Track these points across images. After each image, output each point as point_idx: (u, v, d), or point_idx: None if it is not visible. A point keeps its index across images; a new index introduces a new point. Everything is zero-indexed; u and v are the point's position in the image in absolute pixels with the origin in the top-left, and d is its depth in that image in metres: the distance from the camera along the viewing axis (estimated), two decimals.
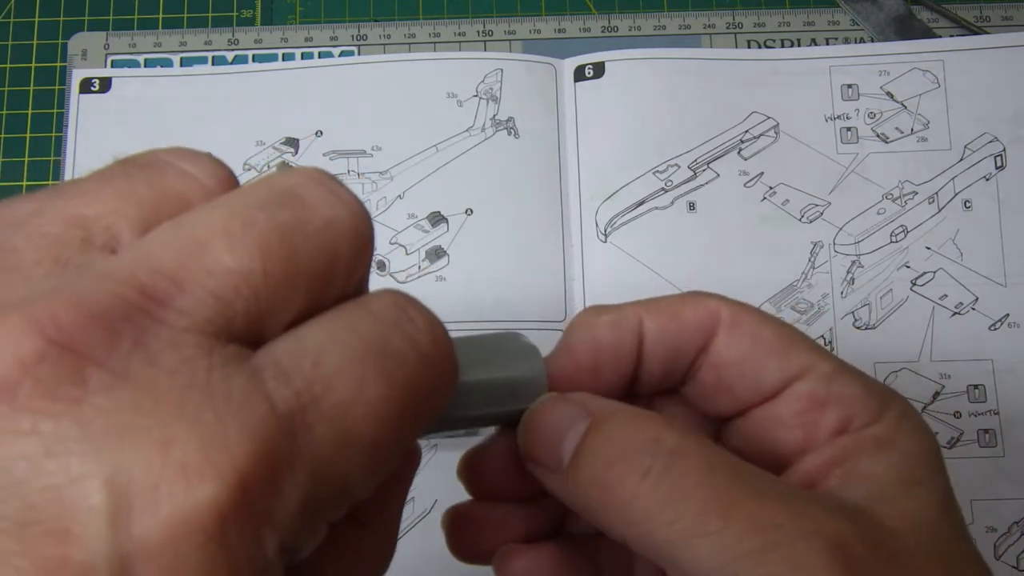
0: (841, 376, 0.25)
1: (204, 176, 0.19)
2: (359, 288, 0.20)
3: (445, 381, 0.19)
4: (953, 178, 0.48)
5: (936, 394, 0.46)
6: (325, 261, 0.18)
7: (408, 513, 0.44)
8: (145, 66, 0.52)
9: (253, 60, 0.52)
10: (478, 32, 0.52)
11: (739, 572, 0.21)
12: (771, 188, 0.48)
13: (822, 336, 0.47)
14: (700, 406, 0.28)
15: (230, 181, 0.19)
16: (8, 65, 0.52)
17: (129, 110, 0.50)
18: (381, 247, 0.48)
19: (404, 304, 0.19)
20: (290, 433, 0.16)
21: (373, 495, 0.21)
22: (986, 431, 0.46)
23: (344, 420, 0.17)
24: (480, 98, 0.50)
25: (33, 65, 0.52)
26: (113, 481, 0.15)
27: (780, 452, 0.25)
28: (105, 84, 0.50)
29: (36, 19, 0.53)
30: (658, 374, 0.27)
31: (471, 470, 0.27)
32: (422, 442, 0.25)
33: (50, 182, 0.50)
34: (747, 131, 0.49)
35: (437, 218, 0.48)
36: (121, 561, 0.15)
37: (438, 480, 0.44)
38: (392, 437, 0.18)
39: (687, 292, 0.27)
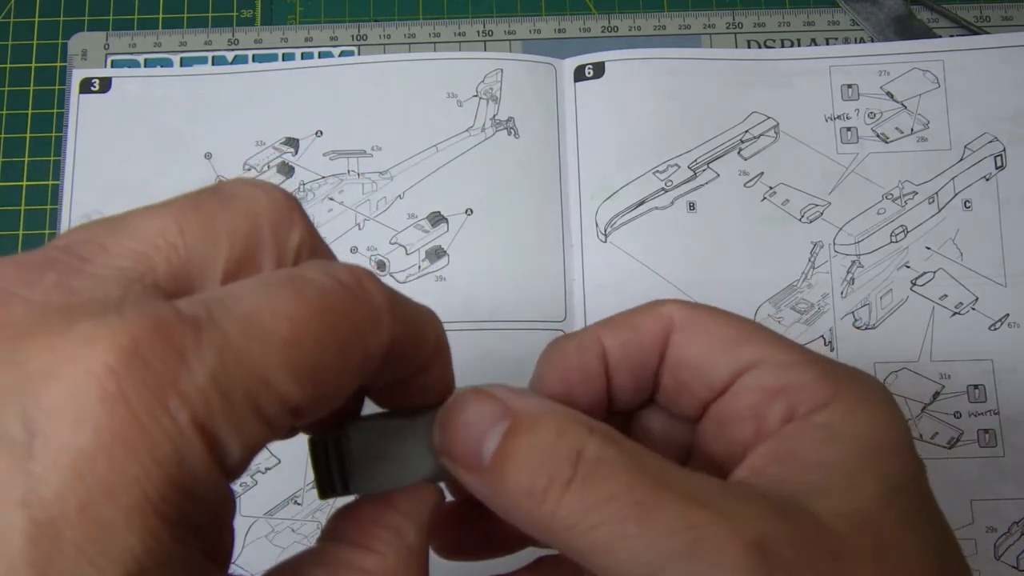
0: (795, 366, 0.25)
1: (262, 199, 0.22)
2: (300, 256, 0.22)
3: (368, 310, 0.20)
4: (953, 178, 0.48)
5: (936, 394, 0.46)
6: (243, 221, 0.21)
7: None
8: (145, 66, 0.52)
9: (253, 60, 0.52)
10: (478, 32, 0.52)
11: (658, 574, 0.21)
12: (771, 188, 0.48)
13: (822, 336, 0.47)
14: (672, 411, 0.28)
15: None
16: (8, 65, 0.52)
17: (129, 110, 0.50)
18: (381, 247, 0.48)
19: (328, 261, 0.21)
20: (194, 325, 0.18)
21: (366, 522, 0.23)
22: (986, 431, 0.46)
23: (254, 318, 0.18)
24: (480, 98, 0.50)
25: (33, 65, 0.52)
26: (23, 362, 0.17)
27: (736, 447, 0.25)
28: (105, 84, 0.50)
29: (36, 19, 0.53)
30: (630, 388, 0.27)
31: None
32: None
33: (50, 182, 0.50)
34: (747, 131, 0.49)
35: (437, 218, 0.48)
36: (26, 425, 0.16)
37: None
38: (312, 341, 0.19)
39: (645, 303, 0.28)
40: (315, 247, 0.22)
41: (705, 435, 0.27)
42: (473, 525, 0.28)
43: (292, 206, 0.22)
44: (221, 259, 0.20)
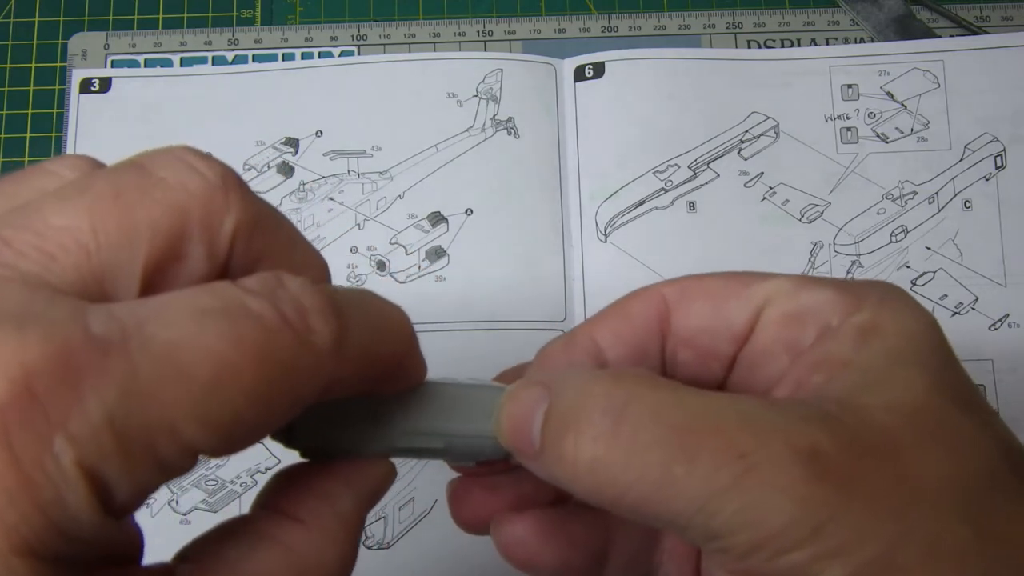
0: (807, 287, 0.25)
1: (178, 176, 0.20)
2: (237, 242, 0.20)
3: (309, 356, 0.19)
4: (953, 178, 0.48)
5: None
6: (168, 214, 0.19)
7: (408, 513, 0.44)
8: (145, 66, 0.52)
9: (253, 60, 0.52)
10: (478, 32, 0.52)
11: (717, 510, 0.20)
12: (771, 188, 0.48)
13: None
14: (700, 384, 0.27)
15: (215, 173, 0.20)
16: (8, 65, 0.52)
17: (129, 110, 0.50)
18: (381, 247, 0.48)
19: (282, 277, 0.19)
20: (102, 350, 0.16)
21: (299, 488, 0.21)
22: None
23: (174, 352, 0.17)
24: (480, 98, 0.50)
25: (33, 65, 0.52)
26: None
27: (774, 383, 0.25)
28: (105, 84, 0.50)
29: (36, 19, 0.53)
30: None
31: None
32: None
33: None
34: (747, 131, 0.49)
35: (437, 218, 0.48)
36: None
37: (438, 481, 0.44)
38: (236, 389, 0.17)
39: (636, 289, 0.27)
40: (255, 226, 0.20)
41: (738, 388, 0.26)
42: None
43: (229, 185, 0.20)
44: (140, 259, 0.19)
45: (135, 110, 0.50)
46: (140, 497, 0.17)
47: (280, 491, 0.22)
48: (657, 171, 0.48)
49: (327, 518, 0.21)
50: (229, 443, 0.18)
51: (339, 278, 0.48)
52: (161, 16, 0.53)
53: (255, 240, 0.20)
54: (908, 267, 0.48)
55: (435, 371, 0.26)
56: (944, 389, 0.22)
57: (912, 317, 0.24)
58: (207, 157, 0.20)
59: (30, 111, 0.51)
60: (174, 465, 0.17)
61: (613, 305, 0.27)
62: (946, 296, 0.47)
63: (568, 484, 0.22)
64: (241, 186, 0.20)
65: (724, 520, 0.20)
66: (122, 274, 0.18)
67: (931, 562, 0.20)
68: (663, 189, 0.48)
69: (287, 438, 0.23)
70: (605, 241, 0.48)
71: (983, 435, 0.22)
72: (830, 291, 0.24)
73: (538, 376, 0.24)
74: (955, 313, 0.47)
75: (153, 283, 0.19)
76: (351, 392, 0.21)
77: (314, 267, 0.22)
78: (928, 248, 0.48)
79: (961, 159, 0.49)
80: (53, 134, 0.51)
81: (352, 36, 0.52)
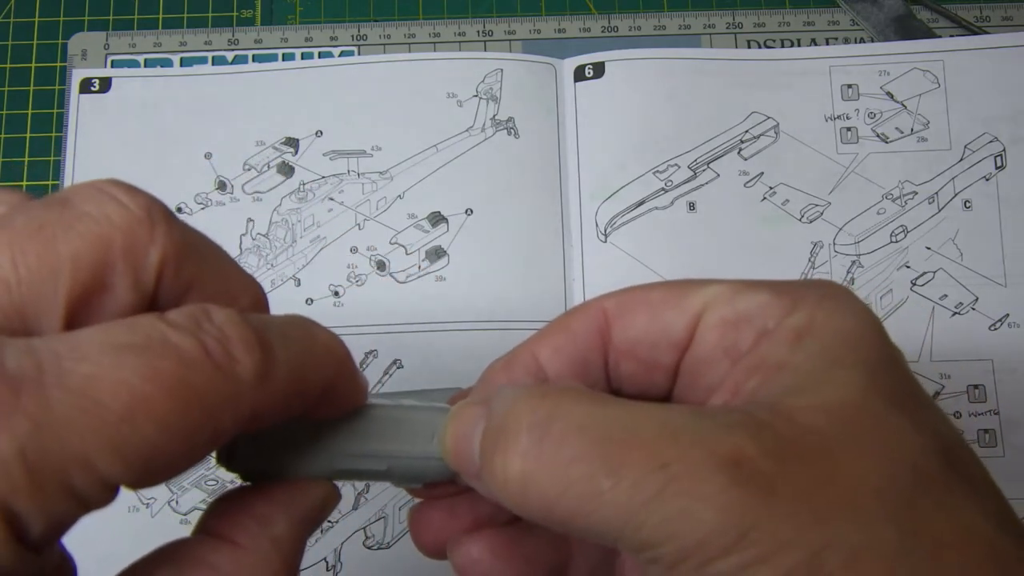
0: (744, 291, 0.24)
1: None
2: (164, 273, 0.20)
3: (230, 388, 0.19)
4: (953, 178, 0.48)
5: (936, 394, 0.46)
6: (90, 245, 0.19)
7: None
8: (145, 66, 0.52)
9: (253, 60, 0.52)
10: (478, 32, 0.52)
11: (643, 522, 0.20)
12: (771, 188, 0.48)
13: None
14: (646, 395, 0.27)
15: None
16: (8, 65, 0.52)
17: (129, 110, 0.50)
18: (381, 247, 0.48)
19: (208, 309, 0.19)
20: (14, 385, 0.16)
21: (237, 511, 0.21)
22: (986, 431, 0.46)
23: (90, 386, 0.17)
24: (480, 98, 0.50)
25: (33, 65, 0.52)
26: None
27: (715, 390, 0.24)
28: (105, 84, 0.50)
29: (36, 19, 0.53)
30: None
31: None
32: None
33: (50, 182, 0.50)
34: (747, 131, 0.49)
35: (437, 218, 0.48)
36: None
37: None
38: (151, 421, 0.17)
39: (579, 304, 0.27)
40: (184, 256, 0.21)
41: (683, 397, 0.26)
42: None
43: (154, 216, 0.20)
44: (62, 292, 0.19)
45: (135, 110, 0.50)
46: (57, 530, 0.18)
47: (218, 514, 0.22)
48: (657, 171, 0.48)
49: (262, 541, 0.21)
50: (147, 474, 0.18)
51: (339, 278, 0.48)
52: (161, 16, 0.53)
53: (184, 269, 0.21)
54: (908, 267, 0.48)
55: (432, 371, 0.26)
56: (879, 388, 0.22)
57: (850, 316, 0.23)
58: (132, 189, 0.20)
59: (30, 111, 0.51)
60: (91, 497, 0.17)
61: (555, 321, 0.27)
62: (946, 296, 0.47)
63: (503, 500, 0.22)
64: (167, 217, 0.20)
65: (650, 531, 0.20)
66: (45, 307, 0.19)
67: (856, 567, 0.19)
68: (663, 189, 0.48)
69: (228, 461, 0.23)
70: (605, 241, 0.48)
71: (918, 432, 0.22)
72: (767, 294, 0.24)
73: (479, 395, 0.25)
74: (955, 313, 0.47)
75: (78, 315, 0.19)
76: (283, 418, 0.21)
77: (247, 293, 0.23)
78: (928, 248, 0.48)
79: (961, 159, 0.49)
80: (53, 134, 0.51)
81: (352, 36, 0.52)
